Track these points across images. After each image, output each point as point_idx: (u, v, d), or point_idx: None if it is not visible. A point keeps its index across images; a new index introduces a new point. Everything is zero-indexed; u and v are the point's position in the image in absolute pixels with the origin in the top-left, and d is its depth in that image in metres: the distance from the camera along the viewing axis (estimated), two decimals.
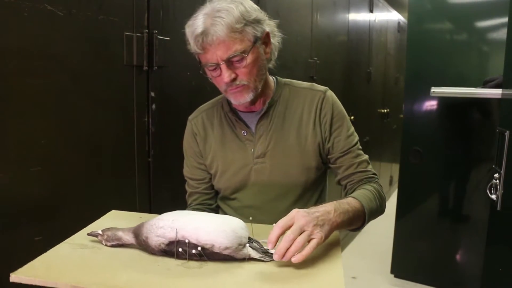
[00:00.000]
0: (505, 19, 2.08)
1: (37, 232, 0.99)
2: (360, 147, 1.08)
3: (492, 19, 2.30)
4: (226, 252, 0.76)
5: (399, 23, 4.27)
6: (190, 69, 1.41)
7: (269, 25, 0.99)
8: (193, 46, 0.93)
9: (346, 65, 2.89)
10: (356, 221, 0.92)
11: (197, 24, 0.89)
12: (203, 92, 1.44)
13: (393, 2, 4.04)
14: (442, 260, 2.49)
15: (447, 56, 2.37)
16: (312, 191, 1.08)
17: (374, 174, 1.07)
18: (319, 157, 1.05)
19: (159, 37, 1.25)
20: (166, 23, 1.29)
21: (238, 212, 1.08)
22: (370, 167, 1.07)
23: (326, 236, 0.79)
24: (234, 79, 0.93)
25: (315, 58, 2.36)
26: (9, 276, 0.93)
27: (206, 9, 0.91)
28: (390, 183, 4.47)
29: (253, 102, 1.02)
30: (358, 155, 1.06)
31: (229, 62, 0.91)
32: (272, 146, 1.03)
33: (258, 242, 0.81)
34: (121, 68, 1.17)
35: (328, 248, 0.83)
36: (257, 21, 0.93)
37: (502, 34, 2.17)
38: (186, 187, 1.15)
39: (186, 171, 1.14)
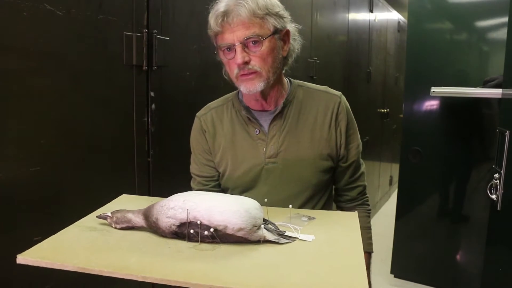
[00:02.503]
0: (505, 19, 2.08)
1: (37, 232, 0.99)
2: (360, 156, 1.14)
3: (492, 19, 2.30)
4: (239, 234, 0.72)
5: (399, 22, 4.27)
6: (190, 69, 1.41)
7: (292, 27, 1.01)
8: (212, 26, 0.93)
9: (346, 65, 2.89)
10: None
11: (220, 5, 0.92)
12: (203, 92, 1.44)
13: (393, 2, 4.04)
14: (442, 260, 2.49)
15: (447, 56, 2.37)
16: (321, 193, 1.08)
17: (366, 197, 1.17)
18: (331, 161, 1.05)
19: (158, 37, 1.25)
20: (165, 23, 1.29)
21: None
22: (364, 179, 1.15)
23: None
24: (247, 63, 0.92)
25: (315, 58, 2.36)
26: (9, 275, 0.93)
27: None
28: (390, 183, 4.47)
29: (264, 97, 1.01)
30: (360, 165, 1.12)
31: (246, 44, 0.91)
32: (285, 147, 1.02)
33: (273, 224, 0.78)
34: (120, 68, 1.17)
35: (347, 232, 0.81)
36: (280, 16, 0.95)
37: (502, 34, 2.17)
38: (192, 184, 1.14)
39: (194, 168, 1.12)
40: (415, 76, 2.46)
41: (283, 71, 1.06)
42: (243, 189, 1.07)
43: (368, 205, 1.17)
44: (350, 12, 2.89)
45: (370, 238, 1.14)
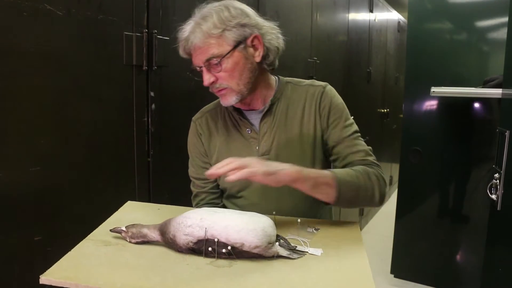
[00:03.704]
0: (505, 19, 2.08)
1: (37, 232, 0.99)
2: (361, 138, 1.07)
3: (492, 19, 2.30)
4: (255, 251, 0.75)
5: (399, 22, 4.27)
6: (190, 69, 1.41)
7: (263, 28, 0.98)
8: (181, 53, 0.99)
9: (346, 65, 2.89)
10: (323, 187, 0.91)
11: (184, 29, 0.95)
12: (203, 92, 1.44)
13: (393, 1, 4.04)
14: (442, 260, 2.49)
15: (447, 56, 2.37)
16: None
17: (373, 162, 1.03)
18: (322, 152, 1.06)
19: (158, 37, 1.25)
20: (165, 23, 1.29)
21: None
22: (369, 157, 1.04)
23: (267, 173, 0.83)
24: (214, 82, 0.96)
25: (315, 58, 2.36)
26: (9, 275, 0.93)
27: (197, 15, 0.96)
28: (390, 183, 4.47)
29: (246, 103, 1.04)
30: (355, 144, 1.04)
31: (209, 66, 0.95)
32: (276, 143, 1.04)
33: (285, 240, 0.82)
34: (120, 67, 1.17)
35: (352, 245, 0.84)
36: (242, 26, 0.94)
37: (502, 34, 2.17)
38: (192, 187, 1.15)
39: (192, 171, 1.14)
40: (415, 76, 2.46)
41: (271, 70, 1.06)
42: (240, 188, 1.08)
43: (375, 165, 1.02)
44: (350, 12, 2.89)
45: (349, 175, 0.95)
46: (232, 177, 0.80)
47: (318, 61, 2.38)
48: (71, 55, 1.04)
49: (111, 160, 1.18)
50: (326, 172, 0.93)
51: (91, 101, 1.11)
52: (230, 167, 0.81)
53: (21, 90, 0.93)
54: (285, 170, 0.86)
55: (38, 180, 0.98)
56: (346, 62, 2.89)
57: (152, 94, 1.26)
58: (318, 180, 0.90)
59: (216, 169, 0.81)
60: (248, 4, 1.01)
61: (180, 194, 1.19)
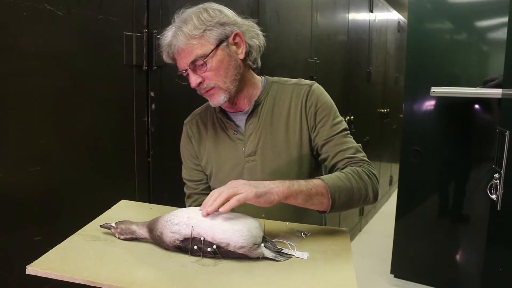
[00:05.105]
0: (505, 19, 2.08)
1: (37, 232, 0.99)
2: (350, 136, 1.05)
3: (492, 19, 2.30)
4: (240, 251, 0.76)
5: (399, 22, 4.27)
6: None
7: (243, 26, 0.99)
8: (165, 59, 1.00)
9: (346, 65, 2.89)
10: (316, 197, 0.88)
11: (166, 35, 0.97)
12: None
13: (393, 1, 4.04)
14: (442, 260, 2.49)
15: (447, 56, 2.37)
16: None
17: (362, 160, 1.01)
18: (309, 150, 1.06)
19: (158, 36, 1.25)
20: (165, 22, 1.29)
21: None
22: (359, 154, 1.01)
23: (258, 195, 0.79)
24: (201, 83, 0.97)
25: (315, 58, 2.36)
26: (9, 275, 0.93)
27: (177, 20, 0.97)
28: (390, 183, 4.47)
29: (233, 103, 1.04)
30: (344, 142, 1.02)
31: (194, 67, 0.95)
32: (261, 144, 1.04)
33: (271, 242, 0.82)
34: (120, 67, 1.17)
35: (339, 251, 0.84)
36: (221, 24, 0.95)
37: (502, 34, 2.17)
38: (185, 189, 1.17)
39: (185, 173, 1.16)
40: (415, 76, 2.46)
41: (255, 69, 1.06)
42: None
43: (365, 162, 1.00)
44: (350, 12, 2.89)
45: (339, 179, 0.92)
46: (225, 207, 0.77)
47: (318, 61, 2.38)
48: (71, 55, 1.04)
49: (111, 160, 1.18)
50: (316, 181, 0.89)
51: (91, 101, 1.11)
52: (221, 200, 0.78)
53: (21, 90, 0.93)
54: (275, 188, 0.82)
55: (38, 180, 0.98)
56: (346, 62, 2.89)
57: (152, 94, 1.26)
58: (310, 192, 0.87)
59: (209, 206, 0.77)
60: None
61: (180, 194, 1.18)
